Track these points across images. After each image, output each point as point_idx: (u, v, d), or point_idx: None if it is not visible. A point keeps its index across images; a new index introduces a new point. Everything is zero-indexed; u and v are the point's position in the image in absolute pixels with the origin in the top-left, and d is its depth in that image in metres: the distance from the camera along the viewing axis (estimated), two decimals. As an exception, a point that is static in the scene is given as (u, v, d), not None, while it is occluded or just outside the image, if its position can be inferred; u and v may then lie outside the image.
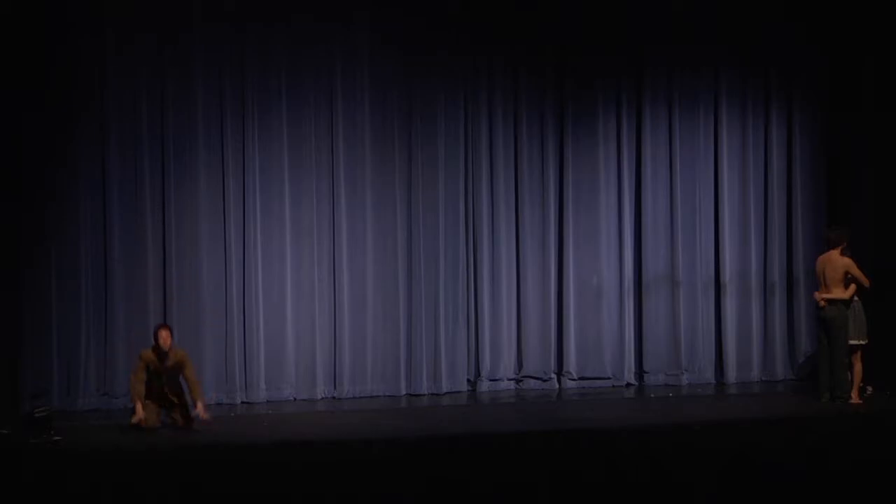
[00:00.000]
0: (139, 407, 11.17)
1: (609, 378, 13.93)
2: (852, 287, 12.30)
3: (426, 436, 11.05)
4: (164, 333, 11.38)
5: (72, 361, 12.48)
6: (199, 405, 11.28)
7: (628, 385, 13.93)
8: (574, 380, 13.85)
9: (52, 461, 10.02)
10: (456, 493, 8.44)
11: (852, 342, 12.36)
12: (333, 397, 13.20)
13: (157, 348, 11.36)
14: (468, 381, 13.67)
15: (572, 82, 13.90)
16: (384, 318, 13.37)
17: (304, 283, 13.16)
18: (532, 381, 13.78)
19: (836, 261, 12.34)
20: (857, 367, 12.46)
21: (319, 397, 13.14)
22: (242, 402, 12.90)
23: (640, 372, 14.05)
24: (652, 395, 13.45)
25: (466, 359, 13.63)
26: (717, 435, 10.88)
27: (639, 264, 14.05)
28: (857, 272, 12.28)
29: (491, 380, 13.70)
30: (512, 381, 13.78)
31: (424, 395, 13.34)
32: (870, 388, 12.75)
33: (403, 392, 13.34)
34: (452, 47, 13.56)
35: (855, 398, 12.39)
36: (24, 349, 12.28)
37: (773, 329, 14.25)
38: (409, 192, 13.45)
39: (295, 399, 13.08)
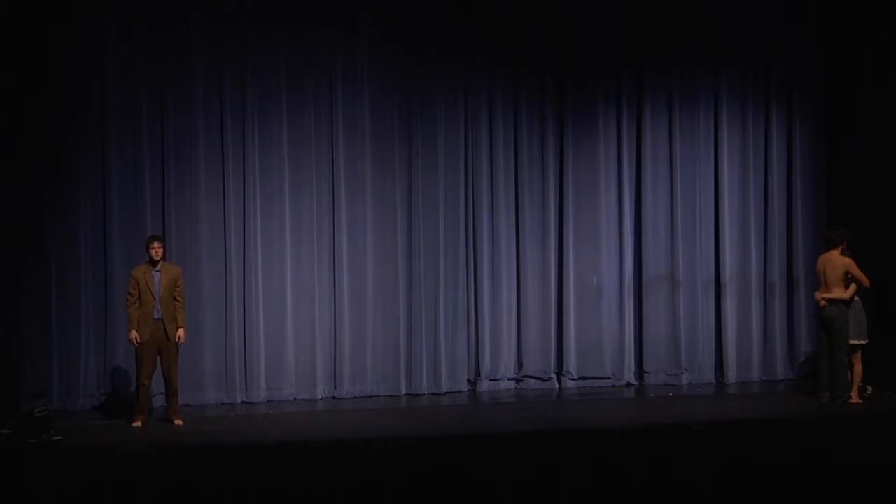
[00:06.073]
0: (133, 333, 11.43)
1: (609, 378, 13.94)
2: (853, 287, 12.30)
3: (426, 436, 11.06)
4: (155, 245, 11.58)
5: (72, 361, 12.49)
6: (181, 330, 11.53)
7: (628, 385, 13.94)
8: (574, 380, 13.86)
9: (52, 461, 10.01)
10: (456, 492, 8.44)
11: (852, 342, 12.36)
12: (333, 397, 13.21)
13: (149, 261, 11.56)
14: (468, 381, 13.68)
15: (572, 82, 13.91)
16: (384, 318, 13.38)
17: (304, 283, 13.17)
18: (532, 380, 13.79)
19: (837, 261, 12.34)
20: (857, 367, 12.46)
21: (319, 397, 13.15)
22: (242, 402, 12.90)
23: (640, 372, 14.06)
24: (652, 395, 13.45)
25: (466, 359, 13.63)
26: (718, 435, 10.87)
27: (639, 264, 14.05)
28: (857, 272, 12.28)
29: (491, 380, 13.71)
30: (512, 381, 13.78)
31: (424, 395, 13.34)
32: (870, 388, 12.74)
33: (403, 392, 13.35)
34: (452, 47, 13.57)
35: (855, 398, 12.39)
36: (24, 349, 12.29)
37: (773, 329, 14.25)
38: (409, 192, 13.46)
39: (295, 399, 13.09)
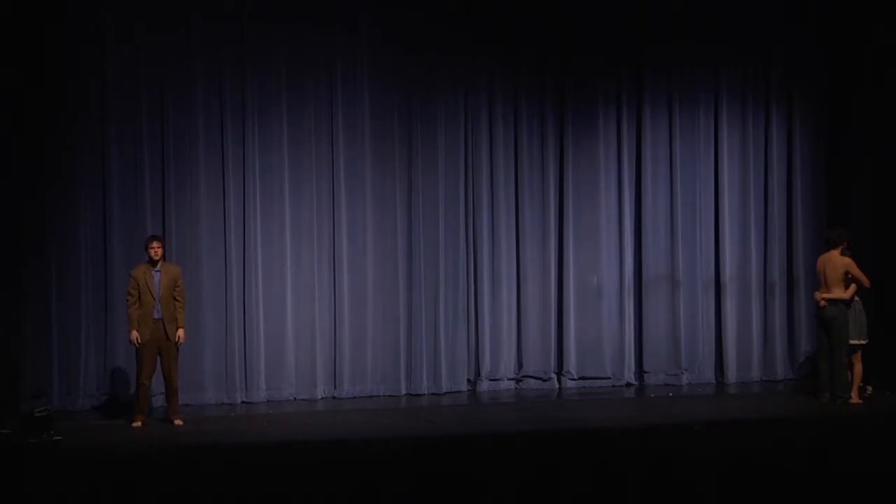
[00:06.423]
0: (134, 333, 11.44)
1: (609, 378, 13.93)
2: (853, 287, 12.30)
3: (426, 436, 11.06)
4: (155, 244, 11.59)
5: (72, 361, 12.49)
6: (181, 330, 11.54)
7: (628, 385, 13.94)
8: (574, 380, 13.85)
9: (52, 461, 10.01)
10: (456, 492, 8.44)
11: (852, 342, 12.36)
12: (333, 397, 13.21)
13: (149, 261, 11.59)
14: (468, 381, 13.67)
15: (572, 82, 13.92)
16: (384, 318, 13.38)
17: (304, 283, 13.17)
18: (532, 380, 13.79)
19: (837, 261, 12.34)
20: (857, 367, 12.46)
21: (319, 397, 13.15)
22: (242, 402, 12.90)
23: (640, 372, 14.06)
24: (652, 395, 13.45)
25: (466, 359, 13.63)
26: (718, 435, 10.87)
27: (639, 264, 14.05)
28: (857, 272, 12.27)
29: (491, 380, 13.71)
30: (512, 381, 13.78)
31: (424, 395, 13.34)
32: (870, 388, 12.74)
33: (403, 392, 13.35)
34: (452, 47, 13.57)
35: (855, 398, 12.39)
36: (25, 349, 12.29)
37: (773, 329, 14.25)
38: (409, 192, 13.46)
39: (295, 399, 13.09)
